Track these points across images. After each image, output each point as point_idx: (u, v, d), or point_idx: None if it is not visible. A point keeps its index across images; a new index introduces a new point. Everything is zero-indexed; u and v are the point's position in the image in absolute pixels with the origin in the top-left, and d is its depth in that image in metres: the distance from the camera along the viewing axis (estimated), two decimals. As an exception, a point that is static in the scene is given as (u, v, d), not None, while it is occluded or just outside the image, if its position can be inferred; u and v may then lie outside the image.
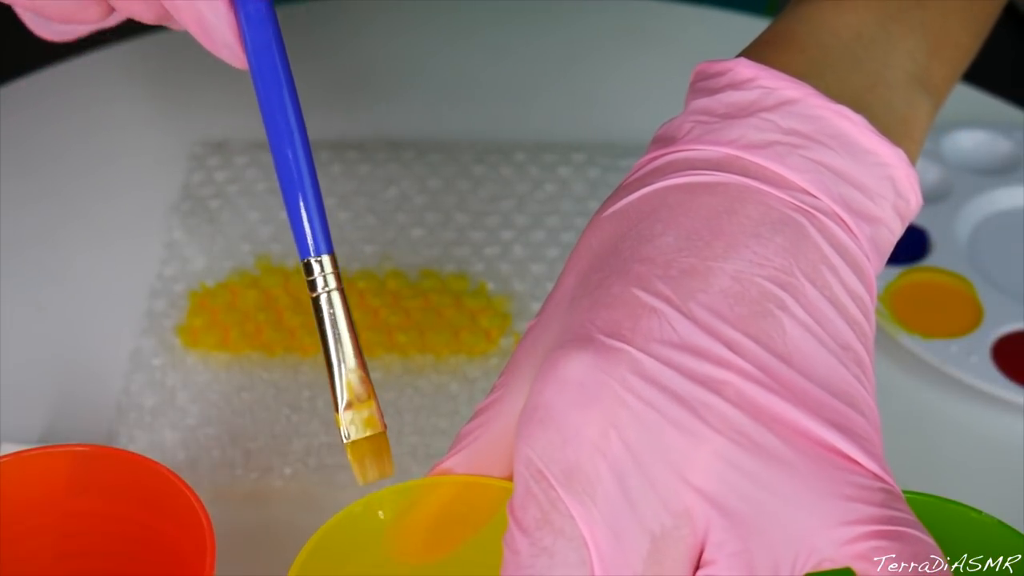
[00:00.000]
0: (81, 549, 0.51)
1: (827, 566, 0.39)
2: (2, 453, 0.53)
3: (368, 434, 0.45)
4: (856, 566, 0.38)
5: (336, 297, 0.44)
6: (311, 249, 0.44)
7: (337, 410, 0.44)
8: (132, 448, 0.62)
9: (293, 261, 0.71)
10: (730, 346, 0.40)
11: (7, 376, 0.66)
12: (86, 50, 0.84)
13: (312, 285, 0.44)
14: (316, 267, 0.44)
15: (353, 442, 0.45)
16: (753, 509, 0.39)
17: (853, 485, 0.39)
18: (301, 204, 0.44)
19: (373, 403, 0.45)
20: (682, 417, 0.39)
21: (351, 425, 0.44)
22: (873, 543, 0.38)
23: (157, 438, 0.62)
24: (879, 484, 0.40)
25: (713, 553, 0.39)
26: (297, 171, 0.44)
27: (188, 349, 0.66)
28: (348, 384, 0.44)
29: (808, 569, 0.39)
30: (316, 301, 0.44)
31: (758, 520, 0.39)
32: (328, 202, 0.74)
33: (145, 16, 0.45)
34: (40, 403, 0.65)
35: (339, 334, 0.44)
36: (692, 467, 0.39)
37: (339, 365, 0.44)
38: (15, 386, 0.66)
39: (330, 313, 0.44)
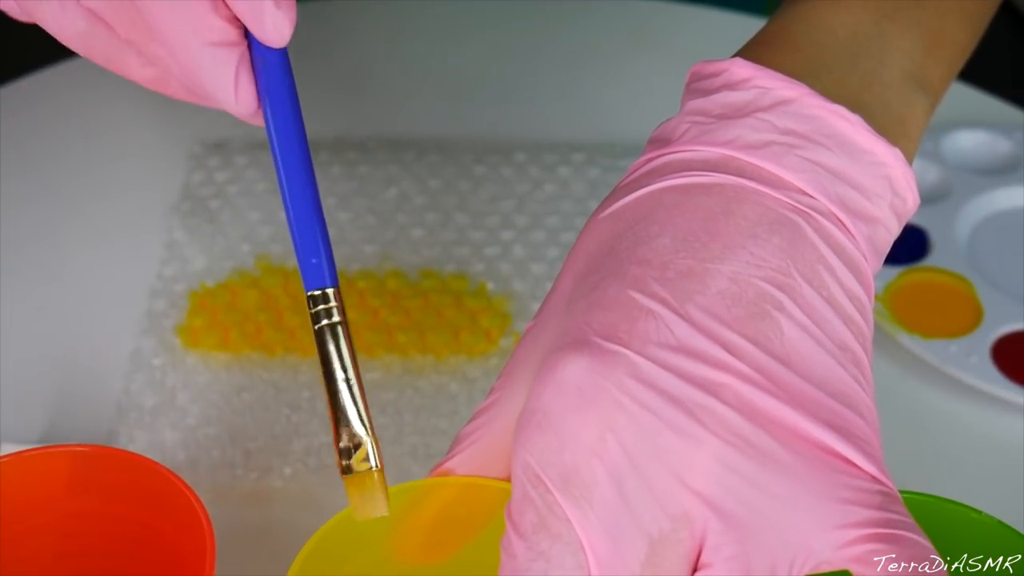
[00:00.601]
0: (81, 549, 0.51)
1: (824, 568, 0.39)
2: (2, 453, 0.53)
3: (366, 469, 0.45)
4: (854, 569, 0.38)
5: (340, 331, 0.44)
6: (317, 282, 0.44)
7: (337, 444, 0.44)
8: (132, 448, 0.62)
9: (293, 261, 0.71)
10: (727, 348, 0.40)
11: (7, 376, 0.66)
12: (86, 50, 0.84)
13: (316, 317, 0.44)
14: (321, 300, 0.44)
15: (352, 476, 0.45)
16: (750, 512, 0.39)
17: (850, 488, 0.39)
18: (309, 238, 0.44)
19: (371, 437, 0.45)
20: (679, 420, 0.39)
21: (350, 459, 0.44)
22: (870, 546, 0.38)
23: (157, 438, 0.62)
24: (877, 486, 0.39)
25: (710, 556, 0.39)
26: (306, 206, 0.45)
27: (188, 349, 0.66)
28: (349, 417, 0.44)
29: (806, 571, 0.39)
30: (320, 333, 0.44)
31: (755, 523, 0.39)
32: (328, 202, 0.74)
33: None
34: (40, 403, 0.65)
35: (345, 366, 0.44)
36: (690, 470, 0.39)
37: (341, 398, 0.44)
38: (15, 386, 0.66)
39: (334, 347, 0.44)
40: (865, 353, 0.42)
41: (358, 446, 0.44)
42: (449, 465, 0.45)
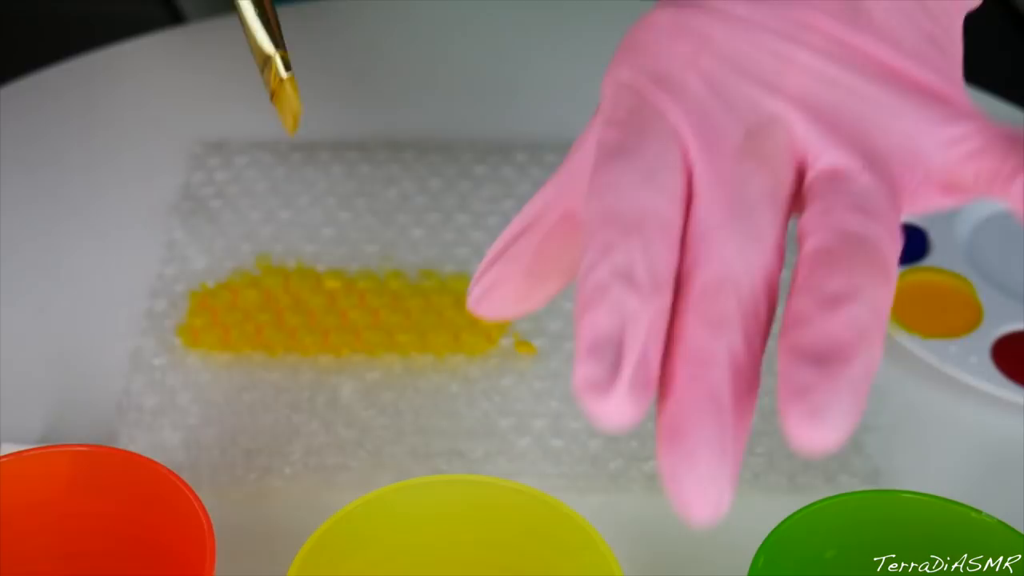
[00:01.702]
0: (81, 549, 0.51)
1: (936, 178, 0.39)
2: (2, 453, 0.53)
3: (282, 78, 0.45)
4: (965, 169, 0.38)
5: None
6: None
7: (262, 73, 0.45)
8: (132, 448, 0.62)
9: (293, 261, 0.71)
10: None
11: (7, 376, 0.66)
12: (86, 50, 0.84)
13: None
14: None
15: (277, 96, 0.45)
16: (851, 116, 0.39)
17: (948, 102, 0.39)
18: None
19: (281, 50, 0.45)
20: (773, 43, 0.39)
21: (272, 81, 0.45)
22: (981, 139, 0.38)
23: (157, 438, 0.62)
24: (976, 110, 0.39)
25: (817, 160, 0.39)
26: None
27: (188, 349, 0.66)
28: (260, 44, 0.45)
29: (920, 180, 0.38)
30: None
31: (857, 126, 0.39)
32: (328, 202, 0.74)
33: None
34: (40, 403, 0.65)
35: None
36: (785, 78, 0.39)
37: (255, 28, 0.45)
38: (15, 386, 0.66)
39: None
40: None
41: (268, 61, 0.45)
42: (544, 195, 0.42)
